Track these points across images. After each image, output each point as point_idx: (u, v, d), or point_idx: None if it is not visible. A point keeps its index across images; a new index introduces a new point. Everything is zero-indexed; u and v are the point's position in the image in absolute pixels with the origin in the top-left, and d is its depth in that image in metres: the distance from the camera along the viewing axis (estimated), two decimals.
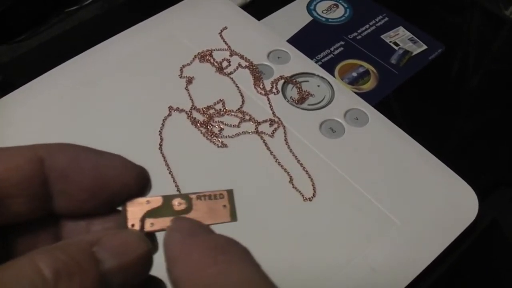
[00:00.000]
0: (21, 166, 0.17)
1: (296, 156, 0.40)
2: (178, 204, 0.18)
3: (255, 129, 0.42)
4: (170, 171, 0.39)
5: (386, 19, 0.53)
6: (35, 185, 0.17)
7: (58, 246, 0.15)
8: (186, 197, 0.18)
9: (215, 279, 0.15)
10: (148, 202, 0.18)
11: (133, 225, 0.18)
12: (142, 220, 0.18)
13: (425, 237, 0.37)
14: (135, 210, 0.18)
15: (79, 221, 0.18)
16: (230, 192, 0.18)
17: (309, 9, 0.53)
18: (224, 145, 0.41)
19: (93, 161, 0.18)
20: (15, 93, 0.43)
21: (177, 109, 0.43)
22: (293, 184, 0.39)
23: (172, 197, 0.18)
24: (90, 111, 0.42)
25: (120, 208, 0.18)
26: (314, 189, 0.38)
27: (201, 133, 0.41)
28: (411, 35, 0.51)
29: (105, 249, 0.16)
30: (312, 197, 0.38)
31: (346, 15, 0.53)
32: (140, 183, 0.18)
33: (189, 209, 0.18)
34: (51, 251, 0.15)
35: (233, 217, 0.18)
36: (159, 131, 0.41)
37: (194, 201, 0.18)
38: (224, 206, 0.18)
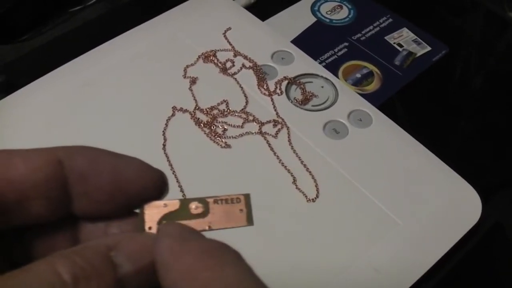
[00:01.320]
0: (41, 168, 0.17)
1: (299, 157, 0.40)
2: (195, 207, 0.18)
3: (259, 129, 0.42)
4: (174, 171, 0.39)
5: (390, 20, 0.53)
6: (55, 187, 0.17)
7: (76, 250, 0.15)
8: (203, 200, 0.18)
9: (209, 284, 0.15)
10: (165, 205, 0.18)
11: (150, 228, 0.18)
12: (160, 223, 0.18)
13: (428, 239, 0.37)
14: (152, 213, 0.18)
15: (97, 223, 0.19)
16: (247, 196, 0.18)
17: (313, 10, 0.53)
18: (227, 146, 0.41)
19: (112, 164, 0.18)
20: (18, 93, 0.43)
21: (181, 109, 0.43)
22: (296, 185, 0.39)
23: (189, 200, 0.18)
24: (94, 111, 0.42)
25: (137, 211, 0.18)
26: (317, 190, 0.38)
27: (205, 133, 0.41)
28: (415, 37, 0.51)
29: (123, 253, 0.16)
30: (315, 198, 0.38)
31: (350, 16, 0.53)
32: (158, 186, 0.18)
33: (206, 212, 0.18)
34: (69, 255, 0.15)
35: (250, 221, 0.18)
36: (163, 131, 0.41)
37: (211, 205, 0.18)
38: (241, 210, 0.18)
